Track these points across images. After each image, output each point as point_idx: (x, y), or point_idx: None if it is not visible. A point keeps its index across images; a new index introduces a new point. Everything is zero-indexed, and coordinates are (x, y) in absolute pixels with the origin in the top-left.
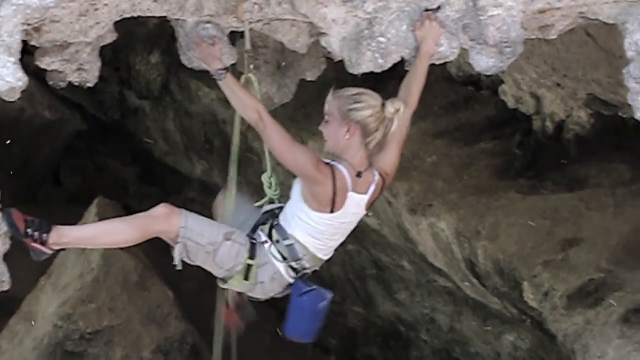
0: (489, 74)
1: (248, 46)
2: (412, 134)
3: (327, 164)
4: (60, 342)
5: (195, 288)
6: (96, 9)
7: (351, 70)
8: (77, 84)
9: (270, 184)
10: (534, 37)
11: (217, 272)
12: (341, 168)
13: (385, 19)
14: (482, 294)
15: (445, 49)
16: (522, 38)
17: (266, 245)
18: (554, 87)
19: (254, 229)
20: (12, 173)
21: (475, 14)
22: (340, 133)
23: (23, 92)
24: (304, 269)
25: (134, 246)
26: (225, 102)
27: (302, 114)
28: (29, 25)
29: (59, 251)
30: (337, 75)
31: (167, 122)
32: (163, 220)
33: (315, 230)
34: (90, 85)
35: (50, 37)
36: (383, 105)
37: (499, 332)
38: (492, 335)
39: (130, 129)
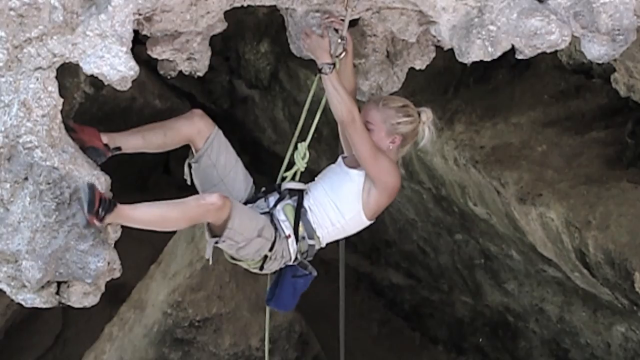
0: (600, 62)
1: (344, 33)
2: (522, 122)
3: None
4: (170, 330)
5: None
6: None
7: (460, 59)
8: (187, 73)
9: (305, 154)
10: None
11: (232, 254)
12: None
13: (496, 7)
14: (592, 284)
15: (556, 37)
16: (634, 25)
17: (289, 240)
18: None
19: (275, 203)
20: (123, 162)
21: (587, 2)
22: (384, 143)
23: (134, 81)
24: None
25: None
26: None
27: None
28: (140, 14)
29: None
30: (446, 64)
31: (276, 110)
32: (214, 213)
33: (342, 234)
34: (200, 74)
35: (161, 26)
36: (419, 114)
37: (610, 323)
38: (602, 326)
39: (239, 118)
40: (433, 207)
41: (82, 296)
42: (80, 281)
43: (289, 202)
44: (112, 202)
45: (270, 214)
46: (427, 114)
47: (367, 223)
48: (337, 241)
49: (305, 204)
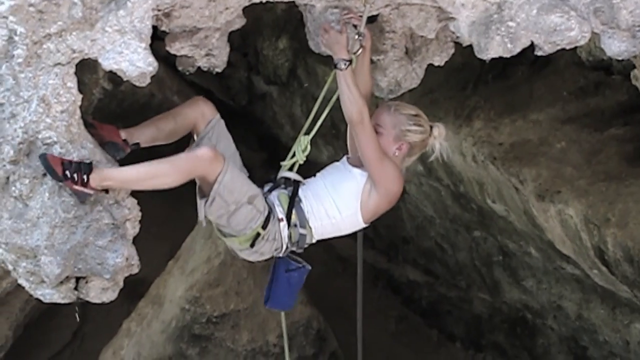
0: (620, 58)
1: (362, 29)
2: (541, 119)
3: None
4: (188, 325)
5: (321, 273)
6: None
7: (479, 55)
8: (205, 69)
9: (306, 147)
10: None
11: (223, 227)
12: None
13: (515, 3)
14: (610, 282)
15: (576, 33)
16: None
17: (281, 224)
18: None
19: (270, 189)
20: (139, 157)
21: None
22: (390, 149)
23: (153, 77)
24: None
25: None
26: None
27: (429, 99)
28: (159, 10)
29: (106, 191)
30: (465, 60)
31: (294, 107)
32: (206, 164)
33: (336, 232)
34: (218, 70)
35: (180, 22)
36: (431, 127)
37: (628, 321)
38: (621, 324)
39: (257, 114)
40: (451, 204)
41: (101, 292)
42: (98, 277)
43: (284, 192)
44: (83, 163)
45: (264, 198)
46: (439, 130)
47: (363, 225)
48: (342, 237)
49: (300, 193)
